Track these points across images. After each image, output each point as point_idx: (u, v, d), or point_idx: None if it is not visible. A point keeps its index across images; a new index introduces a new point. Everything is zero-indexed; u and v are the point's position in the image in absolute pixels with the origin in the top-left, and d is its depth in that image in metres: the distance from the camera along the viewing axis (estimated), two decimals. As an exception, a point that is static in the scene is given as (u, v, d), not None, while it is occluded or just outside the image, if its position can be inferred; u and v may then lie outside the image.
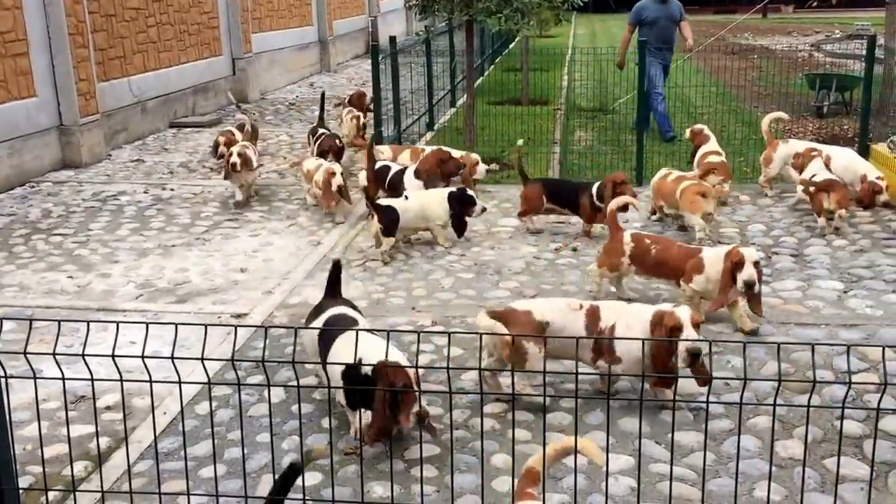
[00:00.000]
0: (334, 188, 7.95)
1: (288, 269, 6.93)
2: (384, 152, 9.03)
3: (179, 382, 2.91)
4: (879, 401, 2.85)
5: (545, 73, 16.52)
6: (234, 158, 8.54)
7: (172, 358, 2.76)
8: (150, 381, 2.90)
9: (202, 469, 4.10)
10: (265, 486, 3.93)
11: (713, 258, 5.54)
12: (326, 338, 4.34)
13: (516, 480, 2.90)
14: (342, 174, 8.06)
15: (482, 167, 8.83)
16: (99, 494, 3.86)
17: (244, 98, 15.61)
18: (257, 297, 6.35)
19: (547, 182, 7.96)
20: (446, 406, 4.55)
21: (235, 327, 3.13)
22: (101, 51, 11.52)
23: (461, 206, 7.23)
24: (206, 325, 2.93)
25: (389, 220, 7.02)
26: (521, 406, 4.56)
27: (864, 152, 8.94)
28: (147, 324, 2.91)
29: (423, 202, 7.32)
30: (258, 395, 4.80)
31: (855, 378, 4.82)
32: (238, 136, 10.10)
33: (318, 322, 4.52)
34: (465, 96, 10.90)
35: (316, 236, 7.72)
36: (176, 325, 2.89)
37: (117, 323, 2.88)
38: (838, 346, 5.02)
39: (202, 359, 2.78)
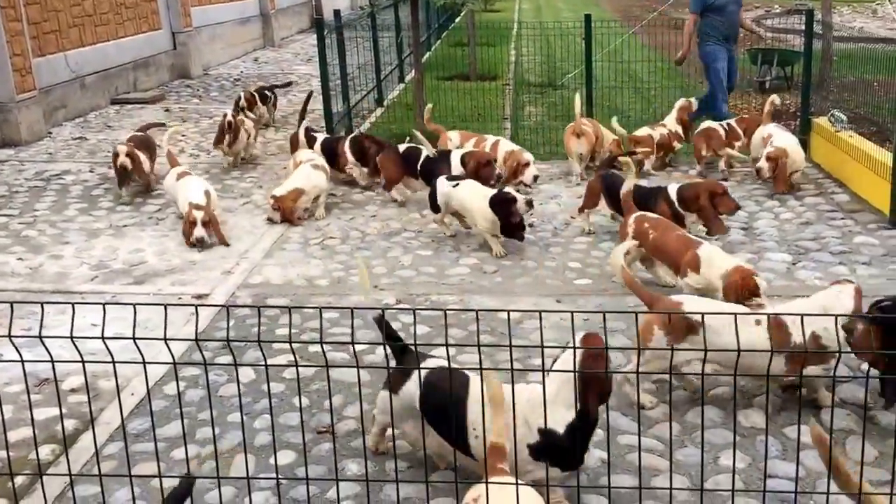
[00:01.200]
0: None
1: (245, 247, 6.87)
2: (452, 139, 8.54)
3: (144, 363, 2.87)
4: (835, 369, 2.97)
5: (492, 47, 16.52)
6: (200, 233, 6.80)
7: (134, 339, 2.73)
8: (114, 362, 2.86)
9: (174, 450, 4.08)
10: (238, 466, 3.93)
11: (711, 258, 5.22)
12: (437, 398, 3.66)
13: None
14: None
15: (532, 170, 7.80)
16: (67, 478, 3.80)
17: (187, 74, 15.36)
18: (217, 276, 6.29)
19: (608, 179, 6.83)
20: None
21: (197, 307, 3.08)
22: (34, 24, 11.17)
23: (504, 210, 6.42)
24: (165, 305, 2.90)
25: (431, 196, 7.04)
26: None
27: (806, 126, 9.16)
28: (104, 304, 2.86)
29: (466, 195, 6.75)
30: (228, 375, 4.78)
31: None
32: (137, 152, 8.18)
33: (417, 382, 3.69)
34: (414, 72, 10.84)
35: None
36: (134, 305, 2.86)
37: (73, 304, 2.83)
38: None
39: (165, 339, 2.75)
